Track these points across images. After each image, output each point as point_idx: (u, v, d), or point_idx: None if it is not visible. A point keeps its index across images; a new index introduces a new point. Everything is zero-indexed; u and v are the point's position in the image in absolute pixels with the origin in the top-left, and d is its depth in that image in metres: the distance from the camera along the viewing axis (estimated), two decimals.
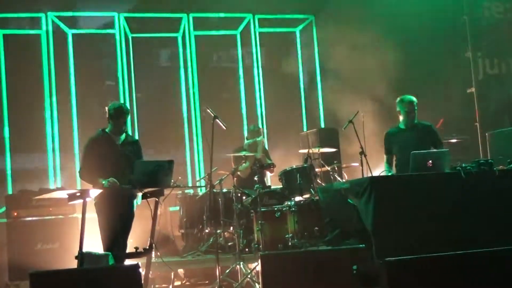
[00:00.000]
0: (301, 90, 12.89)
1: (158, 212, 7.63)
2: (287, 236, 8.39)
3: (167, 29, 12.30)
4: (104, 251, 7.16)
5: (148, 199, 7.34)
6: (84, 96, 11.50)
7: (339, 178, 9.96)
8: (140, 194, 7.62)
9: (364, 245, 6.84)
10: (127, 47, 11.92)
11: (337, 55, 11.99)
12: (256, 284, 7.79)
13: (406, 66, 11.74)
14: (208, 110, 8.44)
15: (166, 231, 9.98)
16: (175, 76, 12.20)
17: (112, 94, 11.60)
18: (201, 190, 10.39)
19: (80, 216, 6.92)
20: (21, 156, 11.12)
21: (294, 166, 9.15)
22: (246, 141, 10.15)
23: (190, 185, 11.46)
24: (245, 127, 12.15)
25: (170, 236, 9.93)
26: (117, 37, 11.89)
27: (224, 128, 8.39)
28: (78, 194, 6.81)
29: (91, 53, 11.81)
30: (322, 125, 12.56)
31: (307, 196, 8.84)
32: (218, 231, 8.90)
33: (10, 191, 10.73)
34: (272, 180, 10.50)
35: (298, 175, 8.88)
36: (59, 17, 11.58)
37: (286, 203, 8.65)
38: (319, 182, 9.54)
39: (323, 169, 9.95)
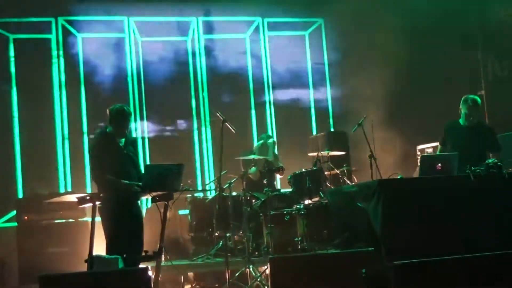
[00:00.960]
0: (310, 92, 12.87)
1: (168, 216, 7.63)
2: (296, 239, 8.38)
3: (177, 32, 12.35)
4: (109, 254, 7.15)
5: (157, 203, 7.34)
6: (93, 99, 11.54)
7: (348, 182, 9.94)
8: (149, 198, 7.61)
9: (373, 249, 6.83)
10: (136, 51, 11.96)
11: (346, 57, 11.99)
12: (266, 287, 7.78)
13: (415, 68, 11.73)
14: (217, 114, 8.45)
15: (176, 235, 9.98)
16: (184, 80, 12.21)
17: (122, 98, 11.62)
18: (210, 194, 10.40)
19: (90, 219, 6.94)
20: (31, 159, 11.14)
21: (304, 170, 9.12)
22: (255, 144, 10.15)
23: (199, 188, 11.45)
24: (254, 131, 12.17)
25: (180, 240, 9.94)
26: (127, 41, 11.93)
27: (234, 131, 8.40)
28: (88, 198, 6.83)
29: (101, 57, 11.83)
30: (332, 128, 12.55)
31: (316, 199, 8.82)
32: (228, 234, 8.88)
33: (20, 195, 10.77)
34: (281, 183, 10.49)
35: (307, 178, 8.86)
36: (68, 22, 11.65)
37: (295, 207, 8.65)
38: (329, 185, 9.53)
39: (333, 172, 9.94)
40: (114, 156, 7.52)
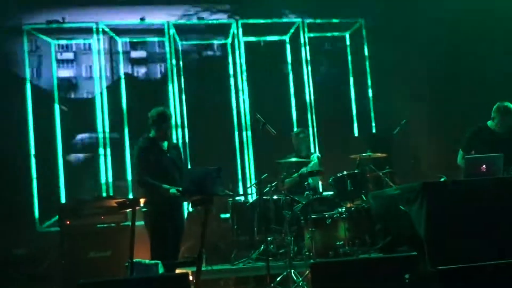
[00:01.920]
0: (352, 94, 12.74)
1: (209, 220, 7.61)
2: (338, 243, 8.28)
3: (217, 36, 12.34)
4: (153, 259, 7.17)
5: (199, 207, 7.33)
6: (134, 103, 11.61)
7: (391, 184, 9.79)
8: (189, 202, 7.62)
9: (416, 253, 6.70)
10: (176, 54, 11.98)
11: (387, 59, 11.84)
12: None
13: (456, 71, 11.51)
14: (257, 117, 8.42)
15: (217, 239, 9.96)
16: (225, 83, 12.20)
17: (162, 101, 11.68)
18: (252, 197, 10.35)
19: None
20: (73, 165, 11.26)
21: (345, 172, 9.02)
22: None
23: (240, 192, 11.41)
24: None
25: (221, 244, 9.92)
26: (167, 44, 11.97)
27: (274, 134, 8.35)
28: (128, 203, 6.84)
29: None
30: (374, 130, 12.40)
31: (358, 202, 8.72)
32: (269, 238, 8.84)
33: (63, 200, 10.87)
34: (323, 186, 10.39)
35: (349, 181, 8.78)
36: (109, 26, 11.74)
37: (337, 210, 8.56)
38: (371, 188, 9.39)
39: (375, 174, 9.81)
40: (157, 160, 7.61)
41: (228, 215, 9.95)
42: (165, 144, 7.82)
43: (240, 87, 12.15)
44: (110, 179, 11.26)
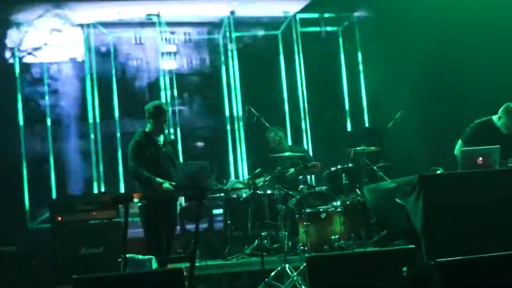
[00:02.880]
0: (344, 88, 12.72)
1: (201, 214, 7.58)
2: (333, 237, 8.22)
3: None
4: (147, 255, 7.12)
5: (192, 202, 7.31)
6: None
7: (385, 177, 9.75)
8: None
9: (413, 246, 6.66)
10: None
11: (381, 53, 11.81)
12: (303, 286, 7.64)
13: (449, 63, 11.47)
14: (251, 110, 8.37)
15: (210, 234, 9.90)
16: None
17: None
18: (244, 192, 10.29)
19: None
20: (64, 160, 11.20)
21: (339, 166, 8.97)
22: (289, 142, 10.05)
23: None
24: (288, 128, 12.06)
25: (214, 239, 9.86)
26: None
27: (269, 127, 8.34)
28: (121, 197, 6.77)
29: None
30: (367, 124, 12.39)
31: (353, 196, 8.67)
32: (263, 233, 8.79)
33: (54, 196, 10.81)
34: (316, 180, 10.36)
35: (343, 175, 8.73)
36: None
37: (331, 204, 8.50)
38: (365, 181, 9.35)
39: (369, 168, 9.76)
40: (152, 154, 7.60)
41: (221, 210, 9.90)
42: (161, 139, 7.82)
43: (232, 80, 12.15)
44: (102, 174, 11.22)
